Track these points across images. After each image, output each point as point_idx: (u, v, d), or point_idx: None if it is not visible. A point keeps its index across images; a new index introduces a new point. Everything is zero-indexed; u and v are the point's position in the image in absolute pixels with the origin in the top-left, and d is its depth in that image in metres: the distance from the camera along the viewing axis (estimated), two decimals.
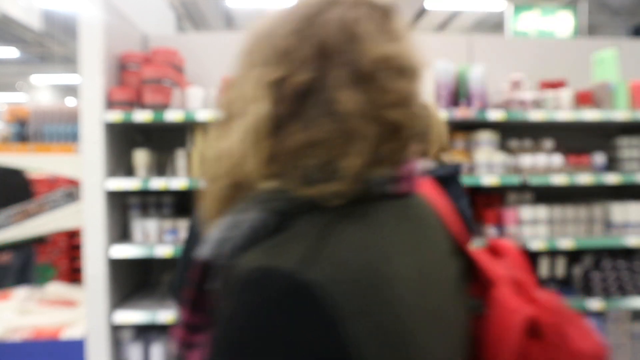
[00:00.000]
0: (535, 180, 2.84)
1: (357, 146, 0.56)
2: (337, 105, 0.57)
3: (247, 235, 0.56)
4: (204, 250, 0.59)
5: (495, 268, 0.72)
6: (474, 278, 0.72)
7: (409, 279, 0.57)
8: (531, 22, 8.02)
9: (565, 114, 2.88)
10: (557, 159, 2.97)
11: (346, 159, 0.56)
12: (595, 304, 2.86)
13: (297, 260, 0.52)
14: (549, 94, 3.02)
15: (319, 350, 0.49)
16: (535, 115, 2.86)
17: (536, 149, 3.08)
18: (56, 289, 3.20)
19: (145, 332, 2.96)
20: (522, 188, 3.17)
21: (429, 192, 0.76)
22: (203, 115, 2.73)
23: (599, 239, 2.90)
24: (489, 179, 2.81)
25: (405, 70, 0.61)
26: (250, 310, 0.50)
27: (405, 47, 0.64)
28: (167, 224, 2.81)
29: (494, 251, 0.79)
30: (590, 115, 2.90)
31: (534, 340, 0.65)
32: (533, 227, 2.92)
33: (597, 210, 3.00)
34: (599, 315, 2.99)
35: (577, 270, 3.01)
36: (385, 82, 0.59)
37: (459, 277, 0.70)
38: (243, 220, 0.57)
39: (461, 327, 0.66)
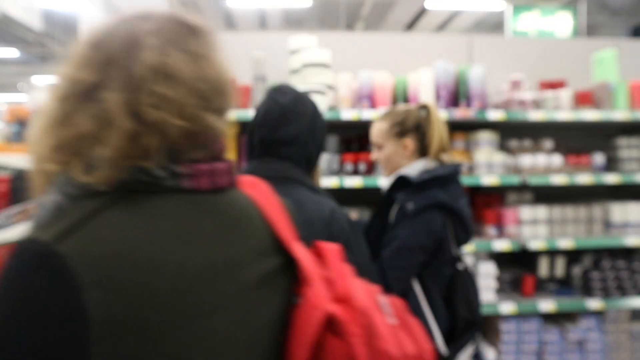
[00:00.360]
0: (534, 180, 2.84)
1: (114, 139, 0.65)
2: (104, 103, 0.66)
3: (45, 215, 0.65)
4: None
5: (314, 268, 0.78)
6: (296, 275, 0.78)
7: (165, 262, 0.64)
8: (531, 22, 8.02)
9: (565, 114, 2.89)
10: (557, 159, 2.97)
11: (105, 149, 0.65)
12: (594, 303, 2.86)
13: (55, 233, 0.61)
14: (549, 94, 3.03)
15: (58, 313, 0.58)
16: (535, 116, 2.86)
17: (536, 149, 3.08)
18: None
19: None
20: (522, 188, 3.17)
21: (258, 192, 0.84)
22: None
23: (598, 239, 2.90)
24: (488, 179, 2.81)
25: (172, 78, 0.70)
26: (6, 273, 0.60)
27: (181, 58, 0.73)
28: None
29: (318, 253, 0.85)
30: (590, 115, 2.90)
31: (334, 336, 0.71)
32: (533, 227, 2.92)
33: (597, 210, 3.00)
34: (599, 314, 3.00)
35: (577, 270, 3.02)
36: (151, 86, 0.68)
37: (273, 273, 0.77)
38: (45, 202, 0.67)
39: (255, 319, 0.73)
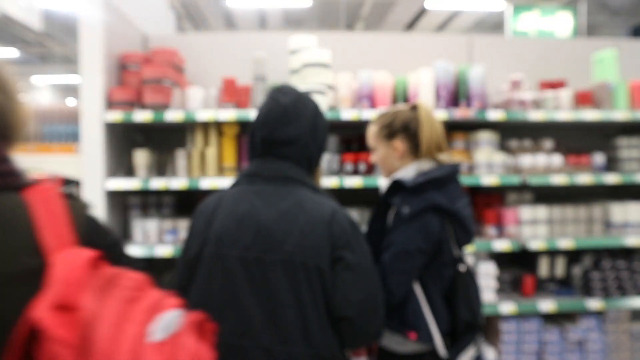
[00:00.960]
0: (534, 180, 2.84)
1: None
2: None
3: None
4: None
5: (67, 274, 0.83)
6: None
7: None
8: (531, 22, 8.02)
9: (565, 114, 2.89)
10: (557, 159, 2.97)
11: None
12: (594, 303, 2.86)
13: None
14: (549, 94, 3.03)
15: None
16: (535, 116, 2.86)
17: (536, 149, 3.08)
18: None
19: None
20: (522, 188, 3.17)
21: (40, 199, 0.89)
22: (203, 115, 2.74)
23: (598, 239, 2.90)
24: (488, 179, 2.81)
25: None
26: None
27: None
28: (167, 224, 2.82)
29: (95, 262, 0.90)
30: (590, 115, 2.90)
31: (43, 342, 0.76)
32: (533, 227, 2.92)
33: (597, 210, 3.00)
34: (599, 315, 3.00)
35: (577, 270, 3.02)
36: None
37: (24, 274, 0.84)
38: None
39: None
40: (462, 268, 1.75)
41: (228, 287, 1.30)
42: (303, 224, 1.31)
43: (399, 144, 1.81)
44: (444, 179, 1.74)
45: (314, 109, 1.50)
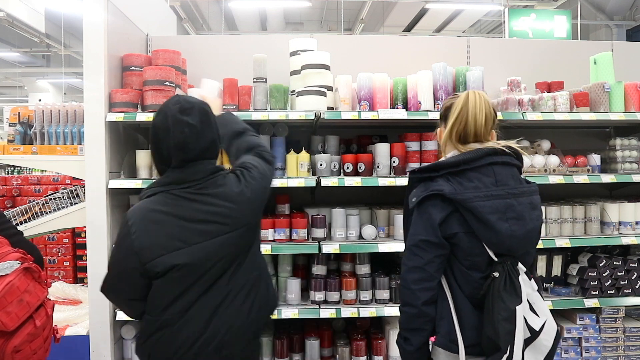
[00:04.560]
0: (532, 180, 2.87)
1: None
2: None
3: None
4: None
5: None
6: None
7: None
8: (527, 25, 8.09)
9: (562, 115, 2.93)
10: (554, 160, 3.01)
11: None
12: (590, 301, 2.89)
13: None
14: (546, 95, 3.07)
15: None
16: (532, 116, 2.90)
17: (533, 149, 3.12)
18: (61, 287, 3.24)
19: None
20: None
21: None
22: None
23: (594, 238, 2.94)
24: None
25: None
26: None
27: None
28: None
29: None
30: (586, 116, 2.94)
31: None
32: None
33: (593, 210, 3.04)
34: (595, 313, 3.04)
35: (573, 269, 3.05)
36: None
37: None
38: None
39: None
40: (496, 274, 1.54)
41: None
42: (237, 194, 1.68)
43: (440, 129, 1.76)
44: (457, 165, 1.59)
45: (211, 113, 1.73)
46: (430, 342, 1.64)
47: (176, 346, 1.59)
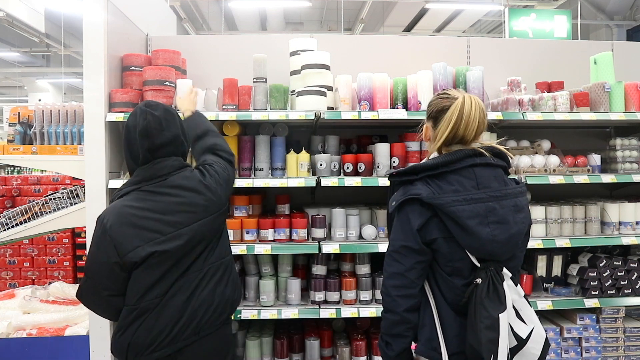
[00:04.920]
0: (532, 181, 2.88)
1: None
2: None
3: None
4: None
5: None
6: None
7: None
8: (527, 25, 8.09)
9: (562, 115, 2.92)
10: (554, 160, 3.01)
11: None
12: (590, 301, 2.89)
13: None
14: (546, 95, 3.06)
15: None
16: (532, 116, 2.90)
17: (533, 149, 3.12)
18: (60, 287, 3.24)
19: None
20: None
21: None
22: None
23: (594, 238, 2.94)
24: None
25: None
26: None
27: None
28: None
29: None
30: (586, 116, 2.94)
31: None
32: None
33: (593, 210, 3.04)
34: (595, 313, 3.03)
35: (573, 269, 3.05)
36: None
37: None
38: None
39: None
40: (479, 281, 1.49)
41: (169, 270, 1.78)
42: (195, 185, 1.85)
43: (426, 127, 1.69)
44: (436, 167, 1.55)
45: (176, 114, 1.87)
46: (412, 350, 1.61)
47: (156, 331, 1.67)
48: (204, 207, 1.79)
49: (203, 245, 1.80)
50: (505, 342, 1.45)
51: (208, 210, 1.80)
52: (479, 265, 1.52)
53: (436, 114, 1.62)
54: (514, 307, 1.51)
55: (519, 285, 1.58)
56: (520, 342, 1.49)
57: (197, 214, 1.77)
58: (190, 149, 2.01)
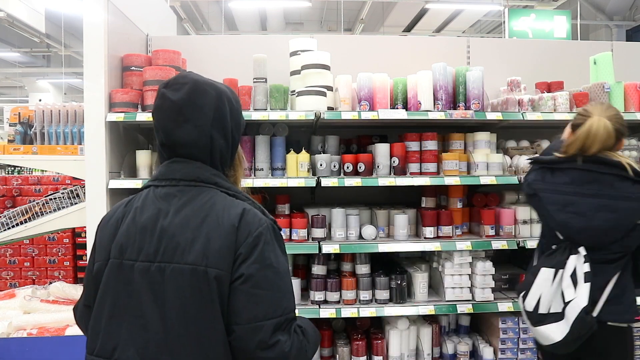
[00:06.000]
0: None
1: None
2: None
3: None
4: None
5: None
6: None
7: None
8: (527, 25, 8.10)
9: (562, 115, 2.93)
10: None
11: None
12: None
13: None
14: (546, 95, 3.07)
15: None
16: (532, 116, 2.91)
17: (533, 149, 3.12)
18: (61, 287, 3.24)
19: None
20: (519, 188, 3.21)
21: None
22: None
23: None
24: (486, 179, 2.85)
25: None
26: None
27: None
28: None
29: None
30: None
31: None
32: (529, 226, 2.95)
33: None
34: None
35: None
36: None
37: None
38: None
39: None
40: (554, 246, 2.05)
41: (123, 299, 1.18)
42: (208, 231, 1.18)
43: (568, 132, 2.11)
44: (544, 163, 2.09)
45: (217, 97, 1.26)
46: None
47: None
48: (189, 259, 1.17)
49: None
50: (541, 291, 1.95)
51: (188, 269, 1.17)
52: (561, 238, 2.02)
53: (574, 126, 2.05)
54: (570, 277, 1.92)
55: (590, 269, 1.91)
56: (564, 304, 1.92)
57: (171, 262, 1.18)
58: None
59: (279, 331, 1.17)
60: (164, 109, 1.24)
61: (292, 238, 2.85)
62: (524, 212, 2.96)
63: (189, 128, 1.22)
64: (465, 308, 2.83)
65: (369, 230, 2.89)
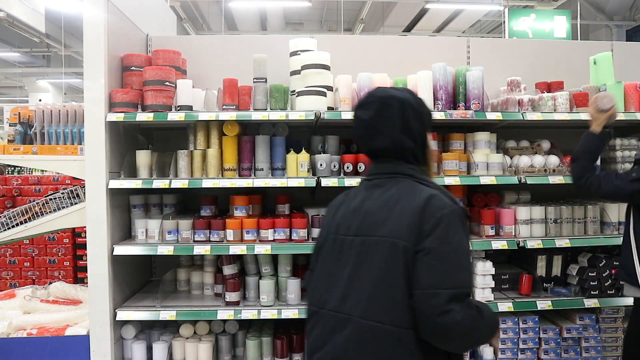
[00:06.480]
0: (531, 181, 2.88)
1: None
2: None
3: None
4: None
5: None
6: None
7: None
8: (527, 25, 8.11)
9: (562, 115, 2.93)
10: (553, 160, 3.01)
11: None
12: (590, 301, 2.90)
13: None
14: (546, 95, 3.07)
15: None
16: (532, 116, 2.90)
17: (533, 149, 3.12)
18: (61, 287, 3.24)
19: (148, 328, 3.00)
20: (519, 188, 3.21)
21: None
22: (204, 116, 2.78)
23: (594, 238, 2.94)
24: (486, 179, 2.85)
25: None
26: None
27: None
28: (169, 223, 2.86)
29: None
30: (586, 116, 2.93)
31: None
32: (529, 226, 2.95)
33: (593, 210, 3.04)
34: (594, 312, 3.04)
35: (573, 269, 3.05)
36: None
37: None
38: None
39: None
40: None
41: (336, 264, 1.51)
42: (400, 211, 1.46)
43: None
44: None
45: (401, 107, 1.52)
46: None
47: None
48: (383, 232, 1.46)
49: None
50: None
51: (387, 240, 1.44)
52: None
53: None
54: None
55: None
56: None
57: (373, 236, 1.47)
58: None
59: (454, 302, 1.33)
60: (359, 127, 1.57)
61: (292, 238, 2.85)
62: (524, 212, 2.96)
63: (381, 138, 1.53)
64: None
65: None
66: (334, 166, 2.92)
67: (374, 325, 1.39)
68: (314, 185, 2.79)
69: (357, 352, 1.41)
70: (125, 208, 3.03)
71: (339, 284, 1.48)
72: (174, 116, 2.77)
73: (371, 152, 1.58)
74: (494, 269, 2.90)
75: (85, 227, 2.76)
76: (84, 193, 2.93)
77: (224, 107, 2.90)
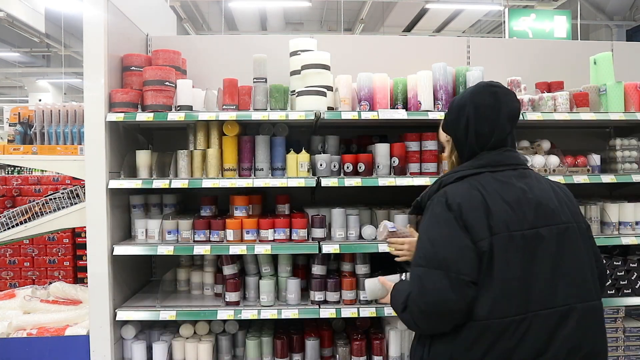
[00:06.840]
0: None
1: None
2: None
3: None
4: None
5: None
6: None
7: None
8: (527, 25, 8.11)
9: (562, 115, 2.93)
10: (554, 160, 3.01)
11: None
12: None
13: None
14: (546, 95, 3.07)
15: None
16: (532, 116, 2.90)
17: (533, 149, 3.12)
18: (61, 287, 3.24)
19: (148, 328, 3.00)
20: None
21: None
22: (204, 116, 2.78)
23: (594, 238, 2.93)
24: None
25: None
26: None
27: None
28: (169, 223, 2.86)
29: None
30: (586, 116, 2.94)
31: None
32: None
33: (593, 210, 3.04)
34: None
35: None
36: None
37: None
38: None
39: None
40: None
41: (526, 262, 1.47)
42: (560, 197, 1.60)
43: None
44: None
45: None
46: None
47: None
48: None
49: None
50: None
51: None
52: None
53: None
54: None
55: None
56: None
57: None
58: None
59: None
60: (515, 99, 1.66)
61: (292, 238, 2.85)
62: None
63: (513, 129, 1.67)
64: None
65: (368, 230, 2.89)
66: (334, 166, 2.92)
67: (593, 305, 1.51)
68: (314, 185, 2.79)
69: (591, 334, 1.49)
70: (125, 208, 3.03)
71: (539, 280, 1.46)
72: (174, 116, 2.77)
73: (501, 141, 1.62)
74: None
75: (85, 227, 2.76)
76: (84, 193, 2.93)
77: (224, 107, 2.90)
